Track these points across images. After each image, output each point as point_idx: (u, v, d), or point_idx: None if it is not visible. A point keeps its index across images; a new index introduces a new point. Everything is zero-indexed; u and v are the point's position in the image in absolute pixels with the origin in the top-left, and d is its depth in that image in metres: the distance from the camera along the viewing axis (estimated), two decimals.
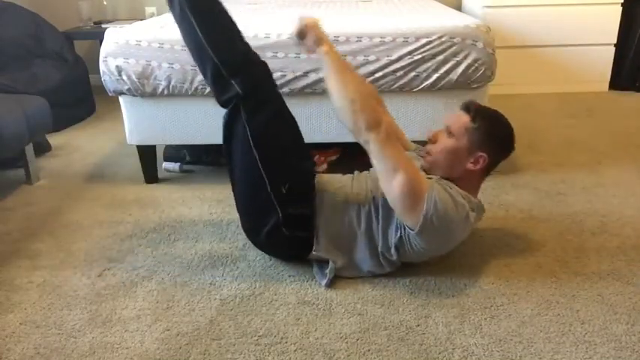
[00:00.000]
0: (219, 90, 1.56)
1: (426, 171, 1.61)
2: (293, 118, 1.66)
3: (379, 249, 1.57)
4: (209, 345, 1.36)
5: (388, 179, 1.43)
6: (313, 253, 1.60)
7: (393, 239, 1.54)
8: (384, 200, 1.52)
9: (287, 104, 2.22)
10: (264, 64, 1.61)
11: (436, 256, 1.61)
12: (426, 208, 1.41)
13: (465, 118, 1.55)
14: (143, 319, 1.46)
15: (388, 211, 1.54)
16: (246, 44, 1.60)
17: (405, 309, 1.48)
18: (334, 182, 1.68)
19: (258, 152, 1.54)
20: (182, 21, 1.57)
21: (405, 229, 1.50)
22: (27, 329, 1.44)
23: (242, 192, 1.65)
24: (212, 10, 1.57)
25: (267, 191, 1.55)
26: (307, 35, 1.53)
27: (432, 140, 1.61)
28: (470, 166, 1.55)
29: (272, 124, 1.58)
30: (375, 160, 1.44)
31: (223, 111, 2.18)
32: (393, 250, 1.55)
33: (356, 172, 1.76)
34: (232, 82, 1.52)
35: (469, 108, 1.57)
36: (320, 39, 1.52)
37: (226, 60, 1.54)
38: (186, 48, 2.05)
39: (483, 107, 1.59)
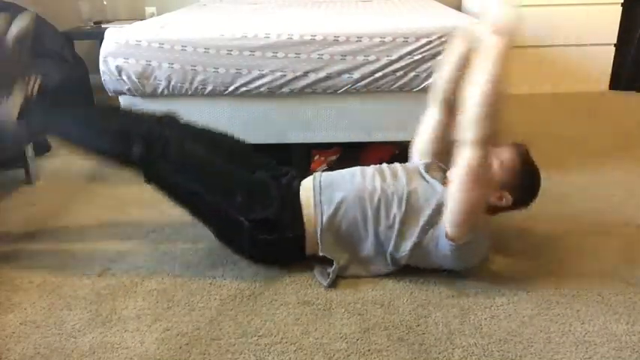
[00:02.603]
0: (129, 164, 1.64)
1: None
2: (217, 134, 1.80)
3: (389, 248, 1.57)
4: (209, 345, 1.36)
5: (466, 191, 1.43)
6: (320, 254, 1.59)
7: (410, 240, 1.53)
8: (408, 199, 1.53)
9: (287, 104, 2.22)
10: (144, 114, 1.74)
11: (441, 267, 1.61)
12: (477, 236, 1.49)
13: (516, 158, 1.58)
14: (143, 319, 1.46)
15: (411, 211, 1.54)
16: (120, 112, 1.75)
17: (405, 309, 1.48)
18: (340, 179, 1.66)
19: (192, 184, 1.60)
20: (64, 137, 1.70)
21: (432, 229, 1.51)
22: (27, 329, 1.44)
23: (210, 223, 1.67)
24: (77, 114, 1.72)
25: (224, 209, 1.59)
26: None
27: None
28: (493, 199, 1.57)
29: (187, 155, 1.62)
30: (463, 170, 1.41)
31: (224, 110, 2.20)
32: (406, 252, 1.54)
33: (360, 167, 1.73)
34: (131, 150, 1.58)
35: (522, 152, 1.60)
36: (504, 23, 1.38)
37: (114, 139, 1.62)
38: (186, 48, 2.08)
39: (531, 157, 1.63)
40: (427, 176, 1.62)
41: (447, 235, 1.49)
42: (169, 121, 1.77)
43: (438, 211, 1.51)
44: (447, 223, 1.48)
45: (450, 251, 1.50)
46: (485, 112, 1.36)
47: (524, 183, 1.57)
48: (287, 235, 1.60)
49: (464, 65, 1.57)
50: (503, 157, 1.58)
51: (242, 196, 1.58)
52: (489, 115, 1.37)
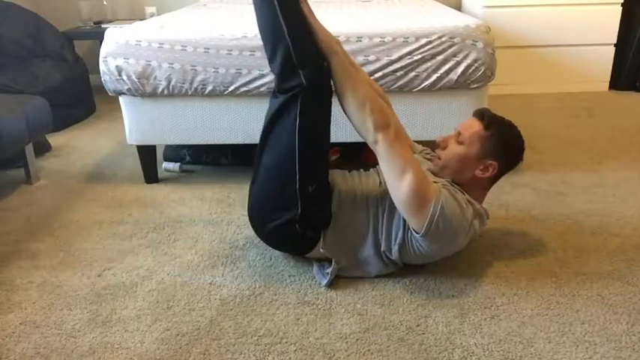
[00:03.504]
0: (285, 76, 1.53)
1: (435, 174, 1.61)
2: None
3: (382, 248, 1.57)
4: (209, 345, 1.36)
5: (396, 181, 1.43)
6: (321, 250, 1.59)
7: (396, 240, 1.54)
8: (391, 200, 1.53)
9: None
10: (328, 63, 1.59)
11: (436, 259, 1.61)
12: (432, 213, 1.41)
13: (477, 126, 1.56)
14: (143, 319, 1.46)
15: (392, 211, 1.54)
16: (316, 39, 1.58)
17: (405, 309, 1.48)
18: (342, 179, 1.68)
19: (300, 146, 1.53)
20: (263, 4, 1.54)
21: (409, 231, 1.50)
22: (27, 329, 1.44)
23: (267, 180, 1.61)
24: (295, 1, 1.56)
25: (295, 186, 1.54)
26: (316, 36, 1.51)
27: (442, 146, 1.60)
28: (479, 173, 1.55)
29: (322, 122, 1.58)
30: (382, 161, 1.44)
31: (224, 110, 2.20)
32: (395, 251, 1.55)
33: (362, 170, 1.76)
34: (300, 71, 1.50)
35: (483, 115, 1.57)
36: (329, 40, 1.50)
37: (300, 49, 1.51)
38: (186, 48, 2.08)
39: (497, 116, 1.59)
40: None
41: (412, 229, 1.48)
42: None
43: None
44: (405, 216, 1.48)
45: (423, 242, 1.48)
46: (356, 117, 1.45)
47: (500, 142, 1.55)
48: (312, 234, 1.60)
49: None
50: (462, 133, 1.57)
51: (314, 189, 1.55)
52: (361, 116, 1.45)
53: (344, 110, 1.50)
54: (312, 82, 1.50)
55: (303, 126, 1.52)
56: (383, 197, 1.57)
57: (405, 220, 1.51)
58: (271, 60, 1.56)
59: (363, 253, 1.60)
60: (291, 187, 1.54)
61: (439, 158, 1.61)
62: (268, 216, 1.61)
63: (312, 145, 1.55)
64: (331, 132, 2.19)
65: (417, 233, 1.46)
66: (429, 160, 1.73)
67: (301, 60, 1.51)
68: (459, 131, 1.58)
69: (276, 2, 1.50)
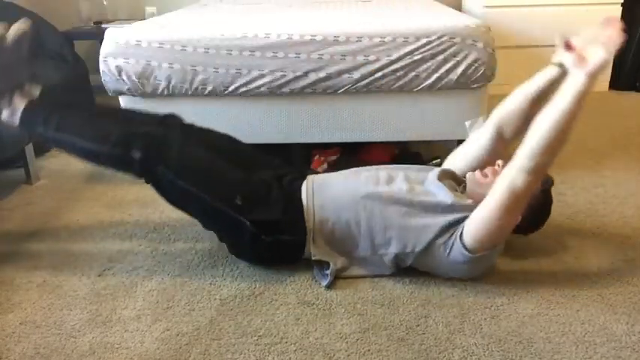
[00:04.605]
0: (127, 166, 1.63)
1: (470, 187, 1.60)
2: (218, 136, 1.79)
3: (390, 249, 1.56)
4: (209, 345, 1.36)
5: (500, 213, 1.42)
6: (313, 258, 1.60)
7: (420, 244, 1.52)
8: (409, 205, 1.54)
9: (287, 104, 2.22)
10: (145, 116, 1.72)
11: (441, 273, 1.61)
12: (493, 251, 1.51)
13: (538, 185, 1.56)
14: (143, 319, 1.47)
15: (413, 215, 1.53)
16: (120, 114, 1.71)
17: (405, 309, 1.48)
18: (333, 182, 1.67)
19: (193, 186, 1.58)
20: (62, 143, 1.69)
21: (451, 239, 1.50)
22: (27, 329, 1.44)
23: (210, 225, 1.70)
24: (75, 120, 1.69)
25: (226, 210, 1.58)
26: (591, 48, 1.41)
27: (495, 170, 1.59)
28: None
29: (188, 158, 1.63)
30: (509, 191, 1.39)
31: (224, 110, 2.20)
32: (417, 253, 1.54)
33: (353, 169, 1.74)
34: (130, 153, 1.58)
35: (547, 180, 1.59)
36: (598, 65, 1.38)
37: (113, 143, 1.60)
38: (186, 48, 2.08)
39: (551, 189, 1.63)
40: (438, 183, 1.59)
41: (464, 246, 1.48)
42: (171, 122, 1.76)
43: (452, 219, 1.51)
44: (471, 235, 1.48)
45: (464, 262, 1.50)
46: (549, 145, 1.34)
47: (538, 208, 1.59)
48: (288, 237, 1.60)
49: (534, 99, 1.68)
50: None
51: (242, 198, 1.58)
52: (552, 148, 1.35)
53: (540, 114, 1.38)
54: (146, 150, 1.58)
55: (179, 176, 1.59)
56: (381, 195, 1.56)
57: (443, 229, 1.50)
58: (113, 168, 1.69)
59: (359, 254, 1.60)
60: (224, 214, 1.59)
61: (486, 176, 1.58)
62: (238, 248, 1.68)
63: (200, 175, 1.62)
64: (331, 132, 2.21)
65: (466, 250, 1.48)
66: (458, 179, 1.69)
67: (120, 148, 1.60)
68: None
69: (65, 135, 1.66)
